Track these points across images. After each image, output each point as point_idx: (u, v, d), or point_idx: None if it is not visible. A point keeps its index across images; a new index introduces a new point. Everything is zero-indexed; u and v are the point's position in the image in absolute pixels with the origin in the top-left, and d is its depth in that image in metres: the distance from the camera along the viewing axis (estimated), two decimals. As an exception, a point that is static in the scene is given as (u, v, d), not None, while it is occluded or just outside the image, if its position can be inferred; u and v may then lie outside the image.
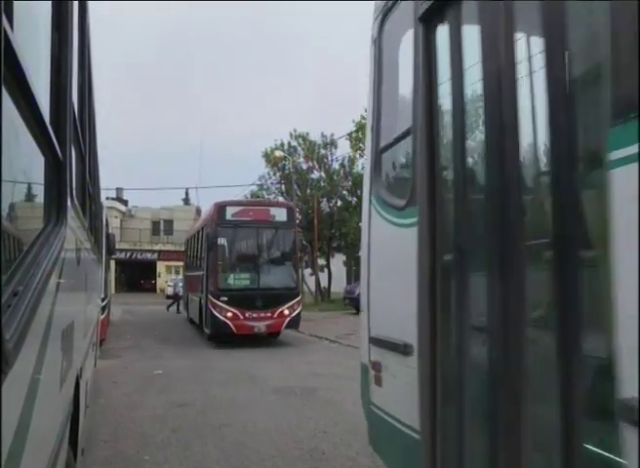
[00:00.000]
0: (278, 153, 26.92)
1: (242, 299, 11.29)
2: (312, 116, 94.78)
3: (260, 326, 11.32)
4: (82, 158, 2.91)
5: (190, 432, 5.02)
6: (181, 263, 45.56)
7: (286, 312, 11.57)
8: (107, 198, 38.14)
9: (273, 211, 12.48)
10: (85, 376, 3.04)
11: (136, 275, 45.80)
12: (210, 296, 11.41)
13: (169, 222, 47.42)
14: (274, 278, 11.96)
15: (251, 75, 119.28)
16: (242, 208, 12.43)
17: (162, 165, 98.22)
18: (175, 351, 10.85)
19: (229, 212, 11.99)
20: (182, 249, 44.30)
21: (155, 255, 44.95)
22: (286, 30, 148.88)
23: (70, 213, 1.93)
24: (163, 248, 45.30)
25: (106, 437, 4.79)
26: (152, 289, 44.78)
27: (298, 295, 12.25)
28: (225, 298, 11.21)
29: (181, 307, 20.43)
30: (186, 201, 51.42)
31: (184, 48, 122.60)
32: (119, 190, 45.18)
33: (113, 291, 33.83)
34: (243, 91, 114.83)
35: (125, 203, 46.85)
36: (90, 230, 3.81)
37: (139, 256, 44.50)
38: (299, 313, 11.96)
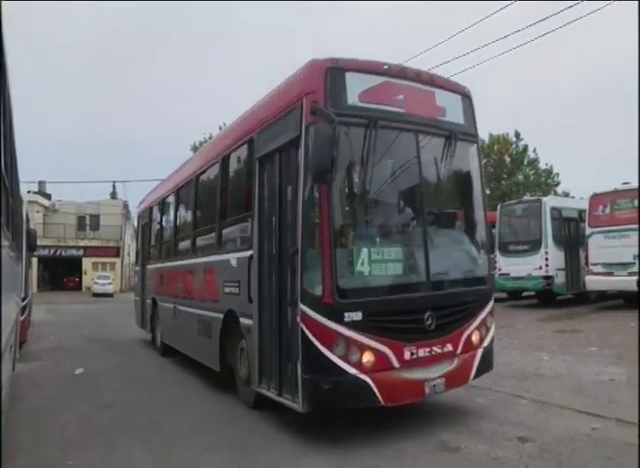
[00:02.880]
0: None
1: (397, 316, 4.51)
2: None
3: (434, 377, 4.63)
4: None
5: (117, 433, 4.88)
6: (110, 260, 44.40)
7: (474, 339, 5.01)
8: (29, 192, 36.07)
9: (441, 97, 5.16)
10: None
11: (60, 273, 43.66)
12: (309, 313, 4.26)
13: (95, 217, 45.49)
14: (450, 260, 5.12)
15: (182, 68, 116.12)
16: (383, 80, 4.76)
17: (88, 157, 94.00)
18: (103, 351, 10.44)
19: (354, 86, 4.57)
20: (112, 244, 43.46)
21: (81, 252, 43.08)
22: (222, 15, 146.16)
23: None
24: (89, 244, 43.51)
25: (26, 445, 4.53)
26: (78, 287, 42.87)
27: (490, 299, 5.31)
28: (358, 316, 4.28)
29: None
30: (113, 195, 49.54)
31: (118, 30, 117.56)
32: (41, 184, 42.75)
33: (35, 289, 32.15)
34: (174, 82, 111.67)
35: (48, 197, 44.45)
36: (7, 226, 3.60)
37: (63, 253, 42.48)
38: (492, 339, 5.30)
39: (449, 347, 4.73)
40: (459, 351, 4.80)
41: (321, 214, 4.22)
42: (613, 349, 8.19)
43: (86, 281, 41.94)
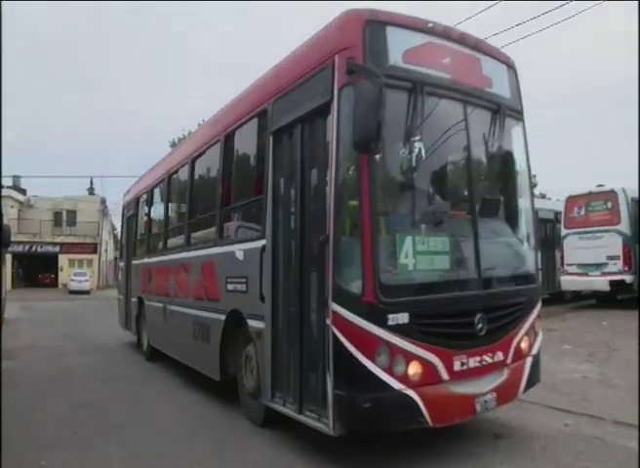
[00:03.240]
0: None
1: (446, 319, 3.75)
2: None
3: (485, 391, 3.89)
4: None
5: (93, 432, 4.82)
6: (87, 256, 43.71)
7: (524, 345, 4.28)
8: (2, 186, 35.29)
9: (487, 65, 4.38)
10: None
11: (35, 269, 42.90)
12: (344, 314, 3.45)
13: (72, 213, 44.79)
14: (502, 254, 4.44)
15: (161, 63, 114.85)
16: (428, 39, 3.94)
17: (66, 152, 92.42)
18: (79, 348, 10.29)
19: (397, 43, 3.75)
20: (90, 240, 42.75)
21: (57, 248, 42.39)
22: (190, 14, 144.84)
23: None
24: (66, 240, 42.83)
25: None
26: (54, 284, 42.18)
27: (538, 299, 4.60)
28: (404, 319, 3.48)
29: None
30: (91, 191, 48.82)
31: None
32: (16, 178, 41.90)
33: (9, 286, 31.52)
34: (155, 78, 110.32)
35: (23, 192, 43.59)
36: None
37: (39, 249, 41.75)
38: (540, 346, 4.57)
39: (499, 356, 3.97)
40: (509, 360, 4.06)
41: (361, 193, 3.43)
42: (586, 348, 8.35)
43: (62, 278, 41.32)
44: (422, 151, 3.72)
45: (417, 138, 3.68)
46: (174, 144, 27.29)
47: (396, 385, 3.43)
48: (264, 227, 4.50)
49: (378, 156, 3.50)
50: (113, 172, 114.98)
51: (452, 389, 3.67)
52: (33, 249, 41.39)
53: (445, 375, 3.63)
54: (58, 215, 44.77)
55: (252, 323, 4.69)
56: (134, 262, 9.83)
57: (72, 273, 37.83)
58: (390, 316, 3.41)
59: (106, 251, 48.23)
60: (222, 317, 5.26)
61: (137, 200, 10.06)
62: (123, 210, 11.59)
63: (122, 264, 11.24)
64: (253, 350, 4.77)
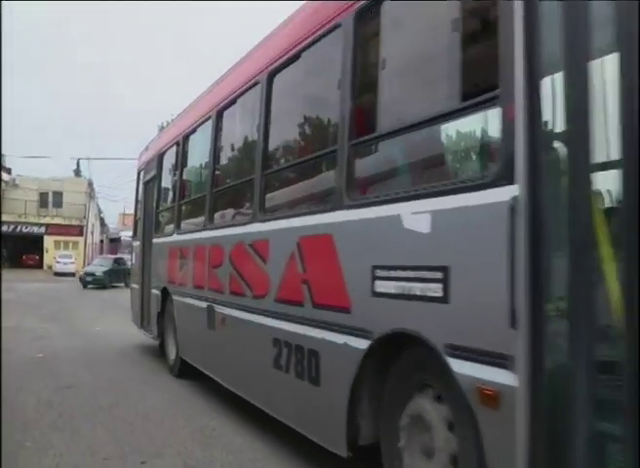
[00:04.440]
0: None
1: None
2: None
3: None
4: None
5: (79, 414, 4.81)
6: (72, 238, 43.30)
7: None
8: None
9: None
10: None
11: (19, 250, 42.44)
12: None
13: (58, 194, 44.28)
14: None
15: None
16: None
17: (52, 132, 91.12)
18: (63, 331, 10.25)
19: None
20: (76, 222, 42.36)
21: (42, 229, 41.96)
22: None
23: None
24: (51, 221, 42.39)
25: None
26: (38, 265, 41.80)
27: None
28: None
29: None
30: (77, 172, 48.23)
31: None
32: (0, 157, 41.23)
33: (-8, 267, 31.17)
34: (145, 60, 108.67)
35: (8, 171, 42.94)
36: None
37: (23, 230, 41.27)
38: None
39: None
40: None
41: None
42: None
43: (47, 259, 40.94)
44: None
45: None
46: (162, 128, 26.93)
47: None
48: (509, 162, 2.01)
49: None
50: (99, 154, 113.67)
51: None
52: (18, 229, 40.91)
53: None
54: (43, 196, 44.23)
55: (461, 366, 2.24)
56: (155, 241, 7.48)
57: (57, 255, 37.52)
58: None
59: (92, 233, 47.85)
60: (362, 343, 2.83)
61: (160, 156, 7.63)
62: (138, 174, 9.28)
63: (137, 244, 8.90)
64: (446, 415, 2.45)
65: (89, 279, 24.54)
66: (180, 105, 7.60)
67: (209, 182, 5.46)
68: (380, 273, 2.76)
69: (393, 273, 2.68)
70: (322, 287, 3.32)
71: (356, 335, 2.90)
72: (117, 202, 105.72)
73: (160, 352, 7.28)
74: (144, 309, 8.08)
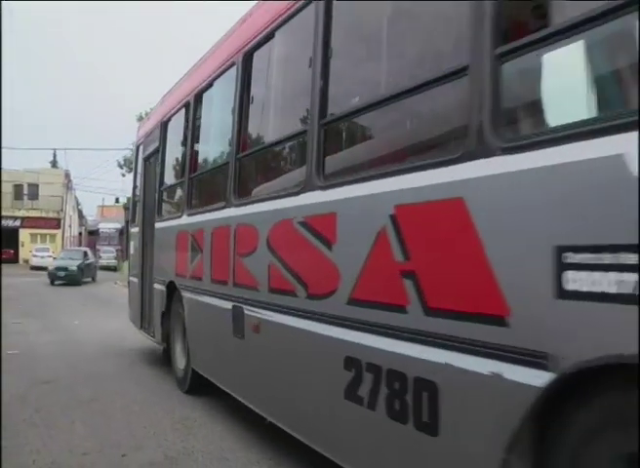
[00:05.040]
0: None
1: None
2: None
3: None
4: None
5: (56, 410, 4.71)
6: (49, 231, 42.50)
7: None
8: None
9: None
10: None
11: (-6, 244, 41.58)
12: None
13: (34, 186, 43.34)
14: None
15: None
16: None
17: (27, 122, 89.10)
18: (39, 325, 10.05)
19: None
20: (53, 215, 41.45)
21: (18, 222, 41.11)
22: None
23: None
24: (27, 214, 41.55)
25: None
26: (14, 259, 40.98)
27: None
28: None
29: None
30: (54, 164, 47.29)
31: None
32: (-27, 149, 40.22)
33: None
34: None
35: (-21, 164, 41.94)
36: None
37: (-3, 223, 40.39)
38: None
39: None
40: None
41: None
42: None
43: (24, 253, 40.15)
44: None
45: None
46: (140, 118, 26.33)
47: None
48: None
49: None
50: (77, 144, 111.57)
51: None
52: (-9, 223, 40.08)
53: None
54: (18, 188, 43.24)
55: None
56: (159, 225, 6.21)
57: (34, 248, 36.81)
58: None
59: (70, 226, 47.05)
60: (534, 376, 1.66)
61: (164, 125, 6.33)
62: (137, 149, 8.15)
63: (135, 230, 7.72)
64: None
65: (61, 274, 23.27)
66: (160, 96, 7.14)
67: (234, 146, 4.14)
68: (574, 258, 1.56)
69: (607, 258, 1.46)
70: (444, 280, 2.06)
71: (520, 363, 1.71)
72: (96, 193, 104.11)
73: (164, 359, 6.29)
74: (145, 307, 6.92)
